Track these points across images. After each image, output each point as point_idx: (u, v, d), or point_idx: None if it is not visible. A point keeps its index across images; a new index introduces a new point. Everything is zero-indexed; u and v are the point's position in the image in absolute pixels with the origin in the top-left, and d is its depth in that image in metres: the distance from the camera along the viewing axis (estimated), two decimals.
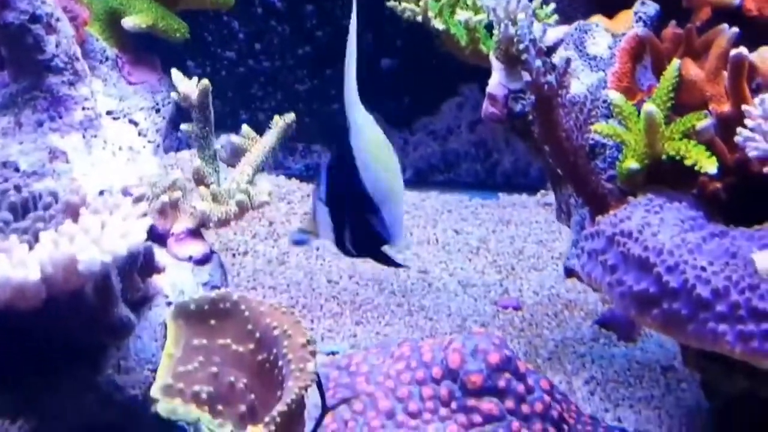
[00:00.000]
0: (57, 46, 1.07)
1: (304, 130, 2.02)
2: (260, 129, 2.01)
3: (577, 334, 1.29)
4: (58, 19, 1.08)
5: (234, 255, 1.57)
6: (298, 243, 1.05)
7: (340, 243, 0.89)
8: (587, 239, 0.94)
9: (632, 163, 1.01)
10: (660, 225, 0.91)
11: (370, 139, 0.87)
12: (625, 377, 1.19)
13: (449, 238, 1.69)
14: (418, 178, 2.00)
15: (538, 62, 0.96)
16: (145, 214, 0.87)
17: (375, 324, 1.35)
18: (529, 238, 1.67)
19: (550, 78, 0.97)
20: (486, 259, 1.59)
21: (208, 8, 1.36)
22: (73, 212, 0.87)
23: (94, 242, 0.80)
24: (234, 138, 1.20)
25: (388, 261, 0.88)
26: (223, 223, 1.08)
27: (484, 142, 1.98)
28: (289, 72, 2.00)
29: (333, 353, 1.23)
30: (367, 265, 1.56)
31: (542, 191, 1.90)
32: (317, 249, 1.64)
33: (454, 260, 1.59)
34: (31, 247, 0.81)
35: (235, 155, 1.83)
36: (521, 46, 0.97)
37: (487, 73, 1.24)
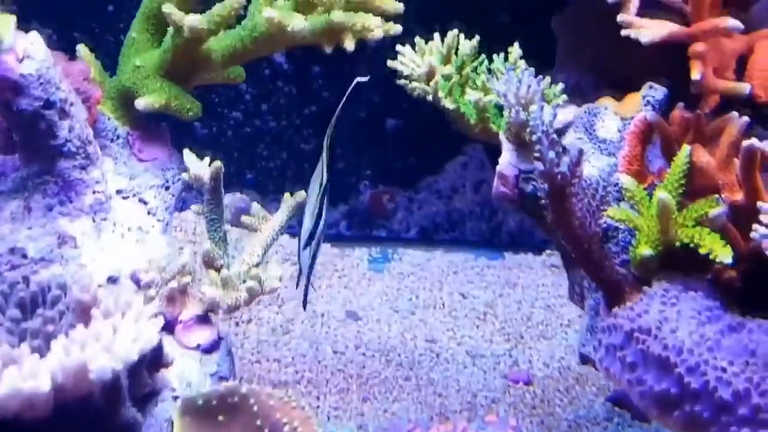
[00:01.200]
0: (70, 131, 1.08)
1: (308, 189, 2.02)
2: (265, 189, 2.02)
3: (591, 412, 1.27)
4: (71, 104, 1.08)
5: (237, 324, 1.56)
6: None
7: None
8: (605, 333, 0.93)
9: (646, 250, 1.01)
10: (678, 319, 0.90)
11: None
12: None
13: (456, 303, 1.69)
14: (423, 237, 2.00)
15: (552, 153, 0.96)
16: (156, 315, 0.86)
17: (383, 401, 1.33)
18: (536, 302, 1.67)
19: (564, 168, 0.97)
20: (494, 326, 1.59)
21: (221, 82, 1.37)
22: (83, 312, 0.87)
23: (106, 349, 0.79)
24: (245, 218, 1.20)
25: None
26: (233, 309, 1.07)
27: (488, 202, 1.98)
28: (295, 132, 2.01)
29: None
30: (373, 335, 1.56)
31: (548, 251, 1.89)
32: (322, 316, 1.63)
33: (461, 327, 1.58)
34: (41, 353, 0.80)
35: (240, 216, 1.84)
36: (534, 137, 0.97)
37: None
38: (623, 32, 1.09)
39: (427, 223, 2.01)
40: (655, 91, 1.13)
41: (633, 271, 1.03)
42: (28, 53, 1.04)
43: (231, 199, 1.68)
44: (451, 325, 1.59)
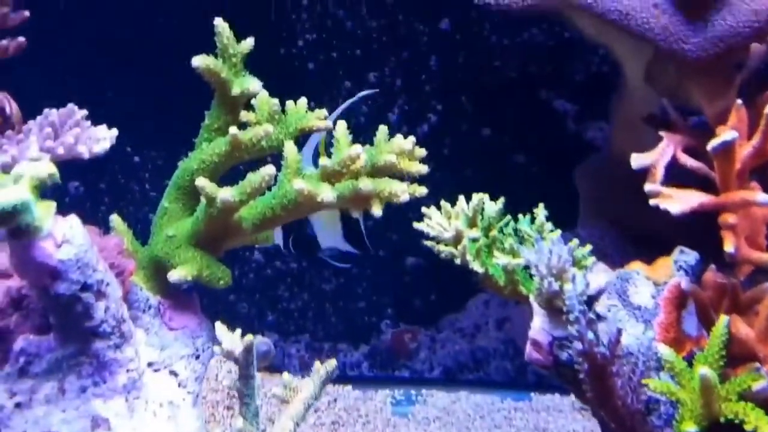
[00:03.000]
0: (106, 311, 1.08)
1: (331, 329, 2.02)
2: (287, 330, 2.01)
3: None
4: (107, 284, 1.09)
5: None
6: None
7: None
8: None
9: (690, 426, 0.99)
10: None
11: None
12: None
13: None
14: (446, 377, 1.97)
15: (590, 334, 0.96)
16: None
17: None
18: None
19: (603, 348, 0.97)
20: None
21: (250, 244, 1.39)
22: None
23: None
24: (275, 390, 1.18)
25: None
26: None
27: (512, 340, 1.96)
28: (315, 272, 2.02)
29: None
30: None
31: None
32: None
33: None
34: None
35: (261, 359, 1.82)
36: (571, 317, 0.97)
37: None
38: (651, 202, 1.11)
39: (450, 363, 1.98)
40: (687, 255, 1.14)
41: None
42: (67, 238, 1.06)
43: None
44: None
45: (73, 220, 1.08)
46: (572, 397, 1.86)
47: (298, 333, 2.03)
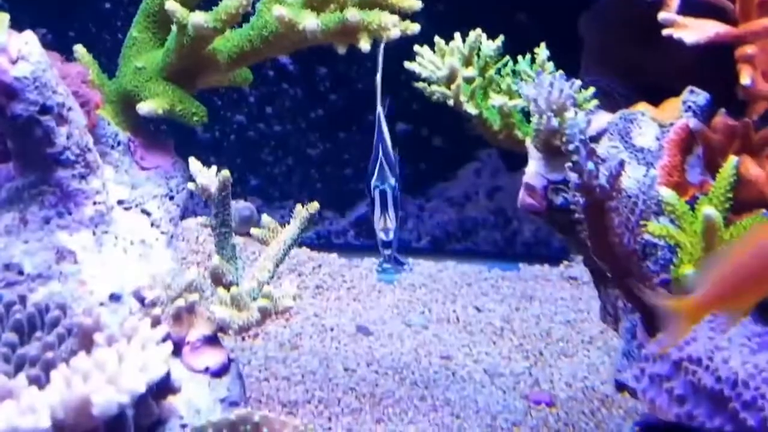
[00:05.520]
0: (68, 137, 1.00)
1: (316, 196, 1.95)
2: (270, 195, 1.95)
3: None
4: (69, 109, 1.00)
5: (243, 338, 1.49)
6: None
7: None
8: (648, 361, 0.86)
9: (689, 269, 0.94)
10: (729, 348, 0.83)
11: None
12: None
13: (470, 317, 1.61)
14: (434, 247, 1.93)
15: (590, 165, 0.89)
16: (164, 340, 0.79)
17: (397, 422, 1.26)
18: (555, 317, 1.59)
19: (603, 181, 0.90)
20: (511, 342, 1.51)
21: (227, 85, 1.29)
22: (85, 336, 0.79)
23: (111, 380, 0.71)
24: (254, 231, 1.12)
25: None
26: (244, 330, 1.00)
27: (503, 210, 1.91)
28: (301, 136, 1.94)
29: None
30: (386, 350, 1.48)
31: (565, 262, 1.82)
32: (332, 330, 1.56)
33: (477, 343, 1.50)
34: (40, 383, 0.73)
35: (244, 224, 1.76)
36: (570, 147, 0.90)
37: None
38: (665, 32, 1.02)
39: (438, 232, 1.94)
40: (697, 96, 1.06)
41: (674, 292, 0.96)
42: (23, 54, 0.96)
43: (234, 207, 1.60)
44: (467, 341, 1.52)
45: (29, 35, 0.98)
46: (561, 267, 1.82)
47: (282, 199, 1.96)
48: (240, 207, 1.87)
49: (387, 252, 1.22)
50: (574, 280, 1.72)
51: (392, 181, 1.18)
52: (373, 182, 1.18)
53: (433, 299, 1.69)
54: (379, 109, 1.28)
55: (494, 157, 1.90)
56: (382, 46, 1.15)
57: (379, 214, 1.19)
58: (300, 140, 1.94)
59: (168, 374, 0.88)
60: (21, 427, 0.68)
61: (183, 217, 1.53)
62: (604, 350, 1.45)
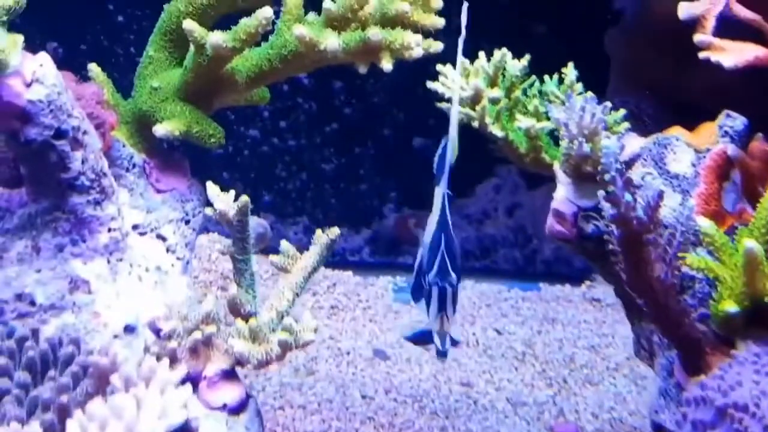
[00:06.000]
0: (83, 162, 0.97)
1: (331, 212, 1.92)
2: (284, 211, 1.91)
3: None
4: (85, 132, 0.97)
5: None
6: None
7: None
8: (690, 405, 0.81)
9: (730, 306, 0.90)
10: None
11: None
12: None
13: (491, 340, 1.57)
14: None
15: (628, 196, 0.85)
16: (184, 381, 0.75)
17: None
18: (579, 342, 1.55)
19: (640, 213, 0.86)
20: (534, 368, 1.47)
21: (243, 104, 1.26)
22: (101, 378, 0.75)
23: (129, 429, 0.68)
24: (273, 258, 1.08)
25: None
26: (263, 364, 0.96)
27: (522, 227, 1.87)
28: (315, 151, 1.90)
29: None
30: (404, 376, 1.44)
31: (587, 282, 1.78)
32: (348, 354, 1.52)
33: (498, 369, 1.46)
34: (54, 431, 0.69)
35: (258, 242, 1.72)
36: (607, 177, 0.86)
37: None
38: (701, 55, 0.98)
39: None
40: (734, 120, 1.01)
41: (714, 329, 0.92)
42: (37, 77, 0.93)
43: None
44: (487, 366, 1.47)
45: (44, 57, 0.95)
46: (583, 287, 1.78)
47: (296, 215, 1.93)
48: (253, 224, 1.83)
49: (442, 359, 1.07)
50: (597, 302, 1.67)
51: (454, 278, 0.97)
52: (431, 277, 0.96)
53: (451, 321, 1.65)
54: (444, 188, 1.09)
55: (513, 173, 1.86)
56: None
57: (436, 313, 0.98)
58: (314, 155, 1.90)
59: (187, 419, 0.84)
60: None
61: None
62: (630, 378, 1.40)
